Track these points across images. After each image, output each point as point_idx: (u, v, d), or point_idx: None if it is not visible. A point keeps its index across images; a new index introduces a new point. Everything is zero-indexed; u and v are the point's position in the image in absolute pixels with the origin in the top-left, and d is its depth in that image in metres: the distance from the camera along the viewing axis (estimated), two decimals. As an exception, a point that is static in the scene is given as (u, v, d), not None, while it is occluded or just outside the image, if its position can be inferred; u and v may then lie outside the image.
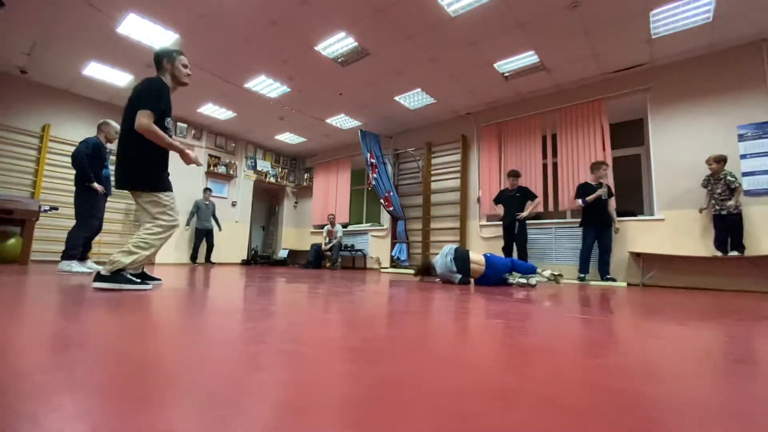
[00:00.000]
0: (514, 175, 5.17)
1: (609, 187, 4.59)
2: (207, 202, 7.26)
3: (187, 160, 2.58)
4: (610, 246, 4.54)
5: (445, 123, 6.85)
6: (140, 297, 1.90)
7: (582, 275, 4.61)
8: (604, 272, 4.51)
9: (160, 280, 2.60)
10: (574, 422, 0.55)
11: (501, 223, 5.54)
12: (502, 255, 4.97)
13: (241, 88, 5.90)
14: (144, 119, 2.19)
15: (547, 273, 3.98)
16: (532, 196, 5.12)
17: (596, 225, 4.55)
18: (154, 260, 6.39)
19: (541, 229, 5.49)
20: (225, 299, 1.99)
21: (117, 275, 2.20)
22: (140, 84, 2.33)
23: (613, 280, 4.50)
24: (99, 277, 2.18)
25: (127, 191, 2.38)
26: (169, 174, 2.50)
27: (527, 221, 5.14)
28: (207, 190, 7.37)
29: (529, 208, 5.04)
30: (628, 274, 4.70)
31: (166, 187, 2.43)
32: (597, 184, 4.60)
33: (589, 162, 5.13)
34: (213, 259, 7.44)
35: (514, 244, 5.11)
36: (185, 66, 2.47)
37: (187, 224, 7.19)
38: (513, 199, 5.12)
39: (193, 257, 7.19)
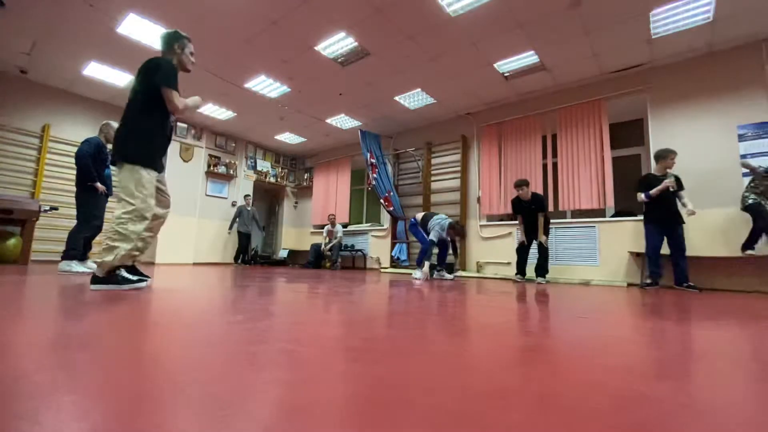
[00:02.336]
0: (525, 184, 4.69)
1: (678, 178, 3.97)
2: (249, 208, 7.67)
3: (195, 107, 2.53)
4: (682, 246, 3.87)
5: (445, 123, 6.85)
6: (140, 296, 1.90)
7: (650, 281, 3.96)
8: (681, 278, 3.84)
9: (148, 278, 2.51)
10: (575, 422, 0.55)
11: (501, 222, 5.57)
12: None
13: (241, 88, 5.90)
14: (178, 100, 2.22)
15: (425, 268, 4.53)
16: (542, 208, 4.71)
17: (663, 222, 3.95)
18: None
19: (541, 229, 5.48)
20: (225, 299, 1.99)
21: (111, 276, 2.17)
22: (153, 61, 2.28)
23: (695, 288, 3.74)
24: (95, 280, 2.15)
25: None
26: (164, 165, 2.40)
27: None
28: (247, 196, 7.85)
29: (542, 227, 4.68)
30: (629, 274, 4.70)
31: (155, 167, 2.32)
32: (663, 174, 4.04)
33: (589, 162, 5.13)
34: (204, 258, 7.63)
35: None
36: (192, 54, 2.49)
37: (230, 228, 7.61)
38: (530, 212, 4.72)
39: (236, 258, 7.67)
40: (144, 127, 2.25)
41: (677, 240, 3.89)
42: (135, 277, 2.29)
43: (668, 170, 4.07)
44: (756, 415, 0.61)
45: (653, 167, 4.75)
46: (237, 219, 7.59)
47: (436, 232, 4.69)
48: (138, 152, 2.23)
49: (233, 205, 8.22)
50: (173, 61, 2.37)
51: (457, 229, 5.02)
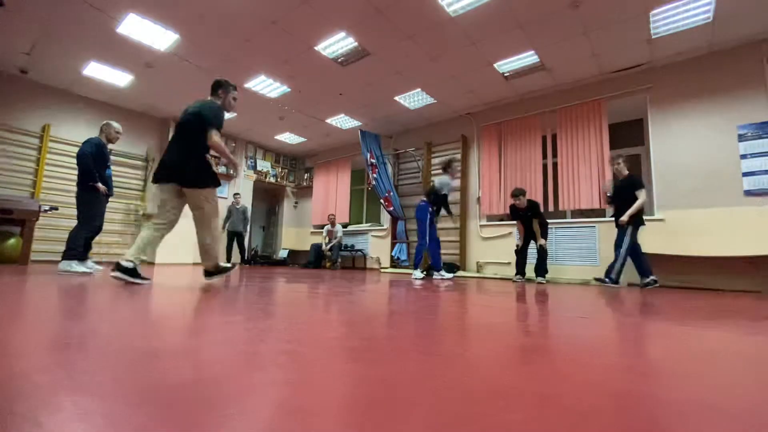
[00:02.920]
0: (522, 194, 4.82)
1: (610, 183, 4.34)
2: (238, 206, 7.42)
3: (236, 170, 3.15)
4: (619, 245, 4.14)
5: (445, 123, 6.85)
6: (140, 296, 1.90)
7: (652, 279, 3.98)
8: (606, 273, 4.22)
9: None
10: (575, 422, 0.55)
11: (501, 222, 5.58)
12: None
13: (240, 88, 5.90)
14: (217, 138, 2.64)
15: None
16: (537, 214, 4.82)
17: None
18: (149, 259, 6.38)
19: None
20: (226, 299, 1.99)
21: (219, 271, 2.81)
22: (204, 105, 2.69)
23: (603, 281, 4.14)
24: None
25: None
26: None
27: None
28: (237, 194, 7.55)
29: (539, 231, 4.81)
30: (629, 274, 4.69)
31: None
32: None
33: (589, 162, 5.13)
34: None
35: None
36: (235, 99, 2.93)
37: (224, 228, 7.40)
38: (526, 218, 4.89)
39: (228, 258, 7.39)
40: (204, 158, 2.71)
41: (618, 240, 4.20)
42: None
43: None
44: (756, 414, 0.61)
45: (653, 168, 4.77)
46: (228, 218, 7.36)
47: (447, 188, 4.97)
48: (208, 179, 2.72)
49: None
50: (216, 102, 2.79)
51: (446, 164, 5.18)
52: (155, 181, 2.70)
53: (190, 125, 2.63)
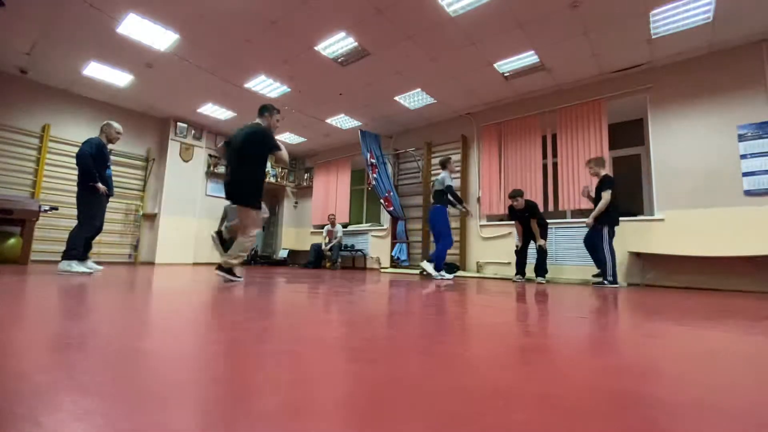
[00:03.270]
0: (520, 195, 4.84)
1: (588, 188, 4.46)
2: (234, 206, 7.30)
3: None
4: (589, 244, 4.40)
5: (445, 123, 6.85)
6: (140, 296, 1.90)
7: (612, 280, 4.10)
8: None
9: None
10: (574, 422, 0.55)
11: (501, 222, 5.58)
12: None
13: (241, 88, 5.90)
14: (286, 156, 3.17)
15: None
16: (534, 215, 4.83)
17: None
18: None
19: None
20: (226, 299, 1.99)
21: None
22: (255, 130, 3.02)
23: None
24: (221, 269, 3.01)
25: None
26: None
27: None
28: None
29: (538, 231, 4.81)
30: (629, 274, 4.70)
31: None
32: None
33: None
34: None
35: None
36: (278, 121, 3.27)
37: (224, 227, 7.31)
38: (524, 219, 4.90)
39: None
40: (260, 179, 3.12)
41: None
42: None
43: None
44: (756, 415, 0.61)
45: (653, 168, 4.77)
46: (225, 218, 7.20)
47: (449, 180, 4.92)
48: (258, 200, 3.08)
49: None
50: (263, 123, 3.13)
51: (445, 162, 5.10)
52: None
53: (246, 150, 2.97)
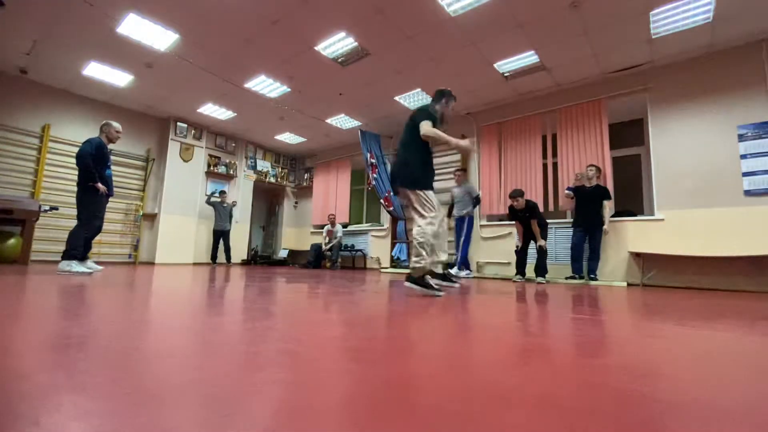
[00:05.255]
0: (520, 195, 4.82)
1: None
2: (225, 204, 7.28)
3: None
4: (580, 245, 4.83)
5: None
6: (139, 296, 1.90)
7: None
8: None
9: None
10: (574, 422, 0.55)
11: (501, 222, 5.58)
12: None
13: (241, 88, 5.90)
14: (427, 127, 2.73)
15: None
16: (534, 215, 4.83)
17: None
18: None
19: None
20: (226, 299, 1.99)
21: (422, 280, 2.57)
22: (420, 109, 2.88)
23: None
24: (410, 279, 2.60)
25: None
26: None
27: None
28: (222, 192, 7.40)
29: (538, 232, 4.80)
30: (629, 274, 4.70)
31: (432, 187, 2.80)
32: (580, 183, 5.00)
33: (590, 162, 5.13)
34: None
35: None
36: (452, 109, 3.03)
37: (207, 202, 7.34)
38: (524, 219, 4.90)
39: (213, 257, 7.22)
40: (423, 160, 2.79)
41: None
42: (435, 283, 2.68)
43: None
44: (755, 415, 0.61)
45: (653, 168, 4.77)
46: (214, 216, 7.23)
47: (474, 191, 5.48)
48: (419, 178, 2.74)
49: (233, 204, 8.04)
50: (434, 109, 2.92)
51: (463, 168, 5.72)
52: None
53: (408, 131, 2.83)
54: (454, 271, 5.13)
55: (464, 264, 5.44)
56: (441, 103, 2.93)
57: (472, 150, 2.99)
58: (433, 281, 2.68)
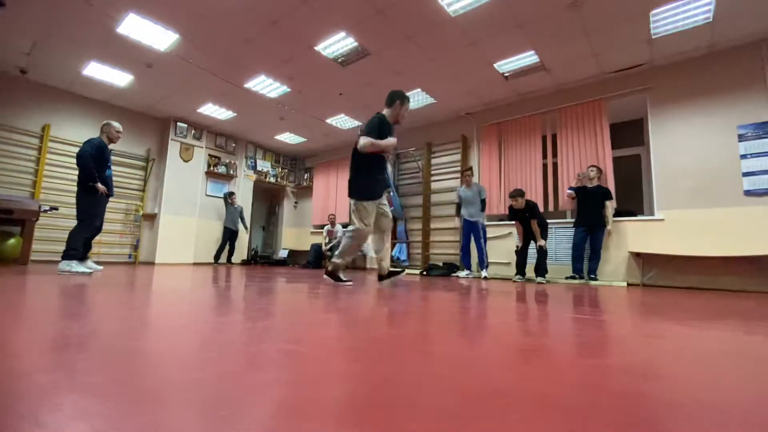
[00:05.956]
0: (520, 195, 4.86)
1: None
2: (235, 206, 7.45)
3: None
4: (581, 246, 4.86)
5: (445, 123, 6.85)
6: (139, 296, 1.90)
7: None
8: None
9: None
10: (574, 422, 0.55)
11: (501, 222, 5.58)
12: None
13: (241, 88, 5.90)
14: (363, 141, 2.88)
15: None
16: (534, 215, 4.86)
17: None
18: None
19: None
20: (226, 299, 1.99)
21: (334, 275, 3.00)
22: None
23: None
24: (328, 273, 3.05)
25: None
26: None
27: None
28: (231, 194, 7.56)
29: (538, 232, 4.83)
30: (629, 274, 4.71)
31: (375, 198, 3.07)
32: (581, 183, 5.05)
33: (589, 162, 5.13)
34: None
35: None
36: (407, 110, 3.21)
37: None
38: (524, 219, 4.93)
39: (217, 256, 7.32)
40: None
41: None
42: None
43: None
44: (755, 414, 0.61)
45: (653, 168, 4.77)
46: (226, 212, 7.50)
47: (483, 193, 5.44)
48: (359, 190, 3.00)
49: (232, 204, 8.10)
50: (387, 113, 3.06)
51: (467, 169, 5.62)
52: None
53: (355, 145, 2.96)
54: (483, 273, 5.19)
55: (483, 264, 5.32)
56: (394, 106, 3.05)
57: (393, 144, 3.09)
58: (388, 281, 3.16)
